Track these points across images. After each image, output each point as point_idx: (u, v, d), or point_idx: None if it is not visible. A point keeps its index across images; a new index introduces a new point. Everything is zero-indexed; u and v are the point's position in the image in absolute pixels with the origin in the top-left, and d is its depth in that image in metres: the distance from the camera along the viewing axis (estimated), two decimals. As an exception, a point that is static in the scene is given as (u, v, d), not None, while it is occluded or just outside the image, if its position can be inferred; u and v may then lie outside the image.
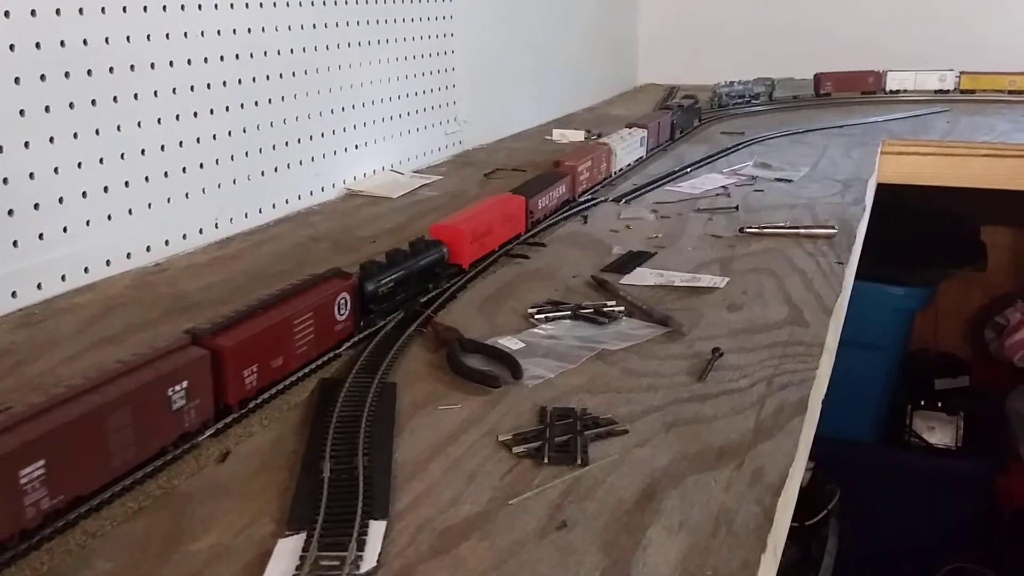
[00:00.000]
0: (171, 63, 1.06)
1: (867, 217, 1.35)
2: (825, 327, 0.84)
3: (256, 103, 1.20)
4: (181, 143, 1.08)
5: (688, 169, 1.55)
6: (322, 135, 1.35)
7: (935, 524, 2.32)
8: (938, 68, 2.37)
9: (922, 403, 2.40)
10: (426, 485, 0.57)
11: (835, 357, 2.27)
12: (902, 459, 2.37)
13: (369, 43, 1.45)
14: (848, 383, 2.38)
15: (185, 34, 1.08)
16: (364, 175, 1.45)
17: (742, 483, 0.57)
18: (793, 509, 0.64)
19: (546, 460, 0.60)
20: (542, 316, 0.86)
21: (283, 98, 1.25)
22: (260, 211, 1.22)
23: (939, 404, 2.37)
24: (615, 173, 1.48)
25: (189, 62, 1.09)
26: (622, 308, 0.87)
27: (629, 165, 1.56)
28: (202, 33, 1.11)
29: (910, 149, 1.82)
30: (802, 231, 1.14)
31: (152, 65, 1.04)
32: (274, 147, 1.24)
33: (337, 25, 1.36)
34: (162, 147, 1.06)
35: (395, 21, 1.50)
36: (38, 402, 0.50)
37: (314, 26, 1.31)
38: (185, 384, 0.57)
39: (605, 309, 0.87)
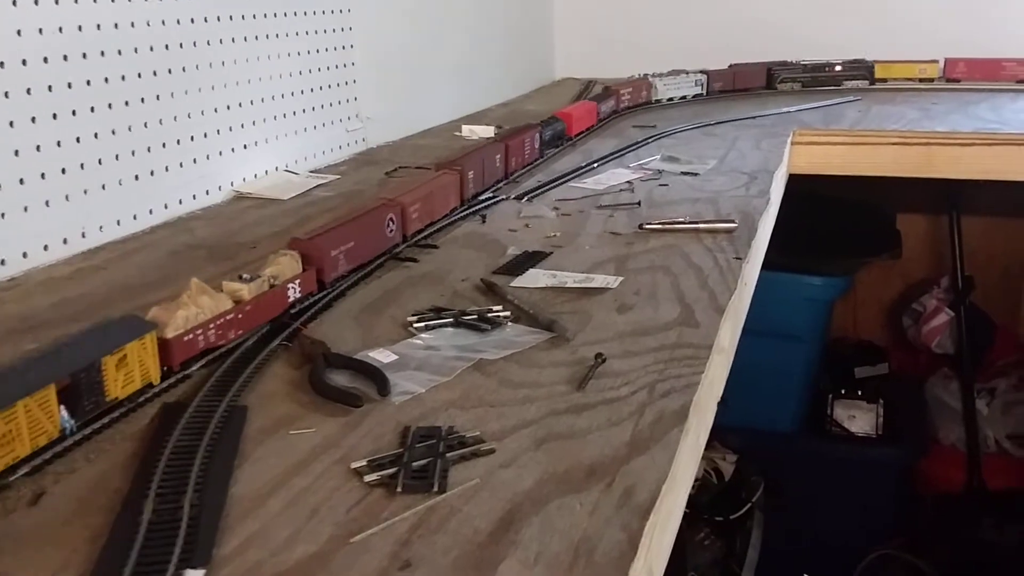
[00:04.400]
0: (24, 61, 0.98)
1: (772, 209, 1.33)
2: (716, 327, 0.80)
3: (126, 103, 1.12)
4: (39, 147, 1.00)
5: (595, 164, 1.51)
6: (205, 135, 1.27)
7: (859, 512, 2.33)
8: (852, 57, 2.38)
9: (843, 392, 2.41)
10: (261, 523, 0.51)
11: (754, 349, 2.27)
12: (824, 448, 2.37)
13: (256, 38, 1.37)
14: (769, 374, 2.40)
15: (40, 30, 1.00)
16: (255, 176, 1.38)
17: (610, 505, 0.53)
18: (676, 527, 0.60)
19: (399, 488, 0.54)
20: (422, 325, 0.80)
21: (158, 97, 1.17)
22: (135, 217, 1.14)
23: (859, 392, 2.39)
24: (519, 170, 1.43)
25: (46, 60, 1.01)
26: (508, 313, 0.83)
27: (536, 160, 1.52)
28: (60, 29, 1.03)
29: (821, 139, 1.81)
30: (702, 226, 1.11)
31: (1, 64, 0.96)
32: (149, 149, 1.16)
33: (218, 20, 1.28)
34: (16, 152, 0.98)
35: (283, 15, 1.43)
36: None
37: (192, 20, 1.23)
38: None
39: (490, 315, 0.82)
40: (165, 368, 0.67)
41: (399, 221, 1.03)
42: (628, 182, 1.39)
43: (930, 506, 2.45)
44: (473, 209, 1.22)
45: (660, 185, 1.37)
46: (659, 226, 1.12)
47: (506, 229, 1.14)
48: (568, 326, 0.79)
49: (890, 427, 2.38)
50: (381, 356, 0.73)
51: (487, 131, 1.84)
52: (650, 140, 1.73)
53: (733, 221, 1.12)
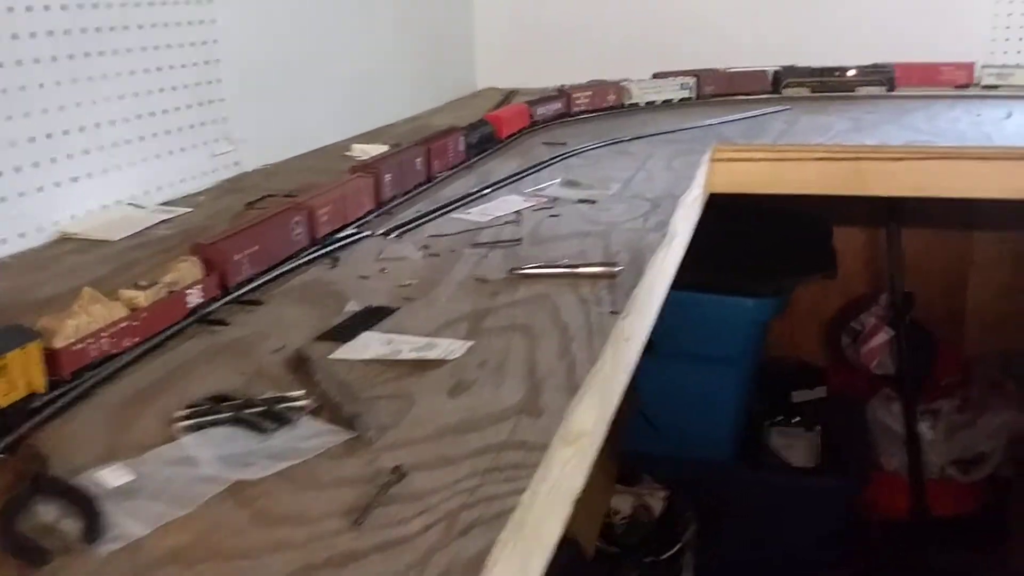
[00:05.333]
0: None
1: (676, 241, 1.18)
2: (563, 414, 0.65)
3: None
4: None
5: (487, 190, 1.35)
6: (17, 169, 1.09)
7: (800, 543, 2.20)
8: (781, 64, 2.25)
9: (779, 418, 2.28)
10: None
11: (684, 374, 2.08)
12: (761, 479, 2.24)
13: (88, 55, 1.20)
14: (700, 400, 2.25)
15: None
16: (89, 212, 1.21)
17: None
18: None
19: None
20: (191, 423, 0.64)
21: (-55, 127, 0.99)
22: (-85, 271, 0.97)
23: (796, 419, 2.26)
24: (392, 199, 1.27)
25: None
26: (306, 402, 0.66)
27: (419, 187, 1.36)
28: None
29: (742, 155, 1.67)
30: (582, 270, 0.96)
31: None
32: (-67, 189, 0.98)
33: (33, 37, 1.11)
34: None
35: (124, 28, 1.26)
36: None
37: (-8, 36, 1.05)
38: None
39: (282, 406, 0.66)
40: (54, 377, 0.68)
41: (307, 224, 1.03)
42: (517, 212, 1.23)
43: (875, 535, 2.33)
44: (327, 249, 1.05)
45: (551, 216, 1.21)
46: (533, 271, 0.96)
47: (356, 276, 0.98)
48: (378, 419, 0.63)
49: (830, 454, 2.26)
50: (112, 476, 0.56)
51: (380, 150, 1.67)
52: (556, 160, 1.57)
53: (616, 264, 0.96)
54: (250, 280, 0.92)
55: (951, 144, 1.59)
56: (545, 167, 1.53)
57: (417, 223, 1.18)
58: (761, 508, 2.17)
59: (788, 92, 2.21)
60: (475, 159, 1.58)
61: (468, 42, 2.67)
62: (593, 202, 1.28)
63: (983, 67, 2.19)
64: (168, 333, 0.80)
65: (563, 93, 2.03)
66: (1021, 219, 2.18)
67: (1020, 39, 2.29)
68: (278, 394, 0.68)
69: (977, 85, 2.18)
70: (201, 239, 0.90)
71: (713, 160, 1.66)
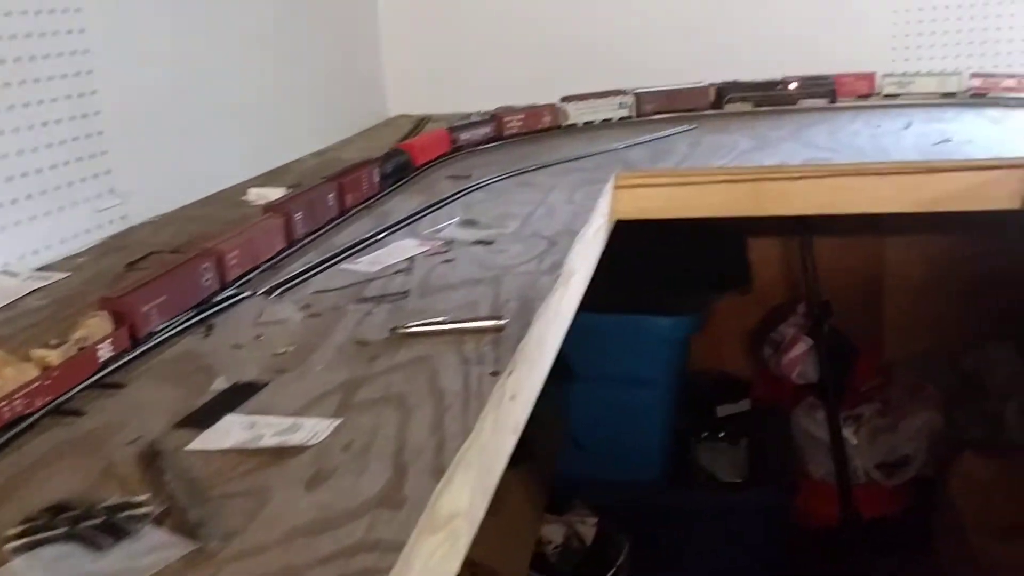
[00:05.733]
0: None
1: (572, 281, 1.16)
2: (424, 504, 0.61)
3: None
4: None
5: (382, 234, 1.32)
6: None
7: (735, 558, 2.21)
8: (691, 83, 2.25)
9: (705, 434, 2.28)
10: None
11: (609, 397, 2.05)
12: (691, 497, 2.24)
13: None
14: (627, 422, 2.25)
15: None
16: (-46, 285, 1.14)
17: None
18: None
19: None
20: (24, 542, 0.59)
21: None
22: None
23: (722, 434, 2.26)
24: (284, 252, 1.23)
25: None
26: (151, 508, 0.62)
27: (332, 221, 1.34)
28: None
29: (645, 181, 1.67)
30: (467, 325, 0.93)
31: None
32: None
33: None
34: None
35: (-15, 86, 1.20)
36: None
37: None
38: None
39: (124, 515, 0.61)
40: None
41: (216, 269, 1.04)
42: (409, 259, 1.20)
43: (807, 543, 2.34)
44: (202, 315, 1.01)
45: (445, 262, 1.18)
46: (416, 329, 0.93)
47: (231, 345, 0.94)
48: (226, 524, 0.60)
49: (757, 467, 2.27)
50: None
51: (278, 194, 1.62)
52: (458, 196, 1.55)
53: (501, 317, 0.94)
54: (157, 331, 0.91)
55: (849, 161, 1.60)
56: (447, 203, 1.50)
57: (303, 278, 1.14)
58: (692, 526, 2.17)
59: (731, 107, 2.20)
60: (391, 188, 1.58)
61: (376, 68, 2.63)
62: (490, 243, 1.25)
63: (883, 76, 2.22)
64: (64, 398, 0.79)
65: (494, 117, 2.01)
66: (929, 222, 2.22)
67: (919, 47, 2.34)
68: (123, 499, 0.63)
69: (878, 95, 2.21)
70: (108, 293, 0.92)
71: (617, 187, 1.65)
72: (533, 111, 2.08)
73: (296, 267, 1.18)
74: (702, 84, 2.21)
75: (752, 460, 2.26)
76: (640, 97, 2.17)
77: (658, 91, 2.19)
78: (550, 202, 1.48)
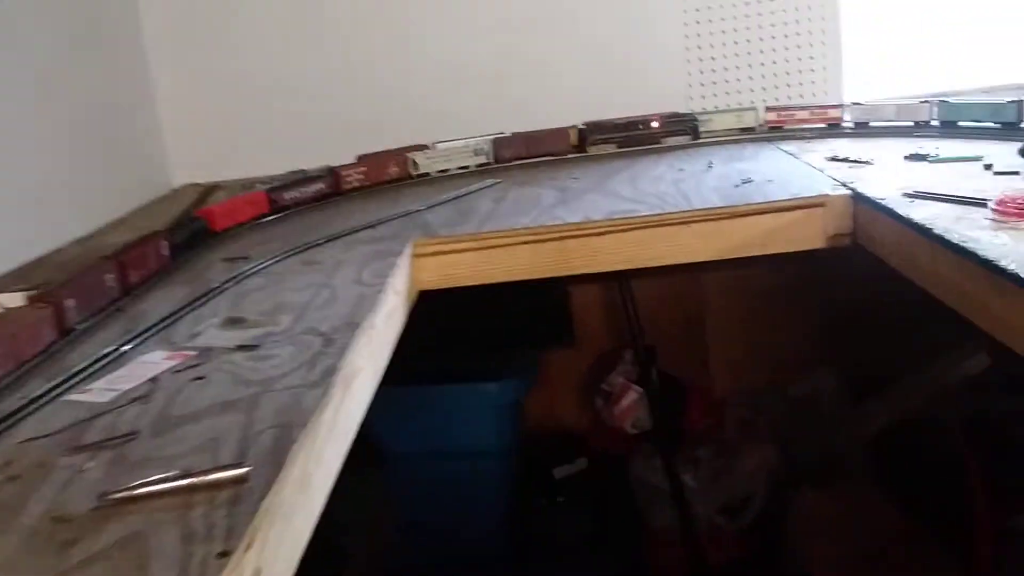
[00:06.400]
0: None
1: (345, 392, 1.00)
2: None
3: None
4: None
5: (125, 347, 1.12)
6: None
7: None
8: (487, 134, 2.15)
9: (544, 500, 2.16)
10: None
11: (443, 472, 1.84)
12: (537, 570, 2.11)
13: None
14: (463, 498, 2.10)
15: None
16: None
17: None
18: None
19: None
20: None
21: None
22: None
23: (561, 498, 2.15)
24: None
25: None
26: None
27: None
28: None
29: (445, 247, 1.53)
30: (198, 480, 0.75)
31: None
32: None
33: None
34: None
35: None
36: None
37: None
38: None
39: None
40: None
41: None
42: (153, 380, 1.00)
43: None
44: None
45: (195, 379, 1.00)
46: (132, 492, 0.74)
47: None
48: None
49: (600, 527, 2.17)
50: None
51: (14, 299, 1.38)
52: (228, 285, 1.36)
53: (243, 464, 0.76)
54: None
55: (652, 212, 1.52)
56: (215, 295, 1.31)
57: (17, 416, 0.93)
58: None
59: (594, 150, 2.13)
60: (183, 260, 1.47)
61: (153, 134, 2.39)
62: (254, 347, 1.08)
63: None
64: None
65: (331, 171, 1.91)
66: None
67: (714, 83, 2.33)
68: None
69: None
70: None
71: (416, 256, 1.51)
72: (377, 162, 1.95)
73: (10, 403, 0.97)
74: (564, 126, 2.15)
75: (595, 521, 2.15)
76: (498, 143, 2.09)
77: (517, 136, 2.11)
78: (335, 284, 1.32)
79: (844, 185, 1.52)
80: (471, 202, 1.79)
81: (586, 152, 2.13)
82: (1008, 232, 1.14)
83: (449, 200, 1.82)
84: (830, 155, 1.77)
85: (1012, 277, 0.99)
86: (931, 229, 1.19)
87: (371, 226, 1.65)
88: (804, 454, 2.21)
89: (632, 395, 2.25)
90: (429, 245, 1.53)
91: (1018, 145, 1.68)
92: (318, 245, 1.56)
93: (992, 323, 1.07)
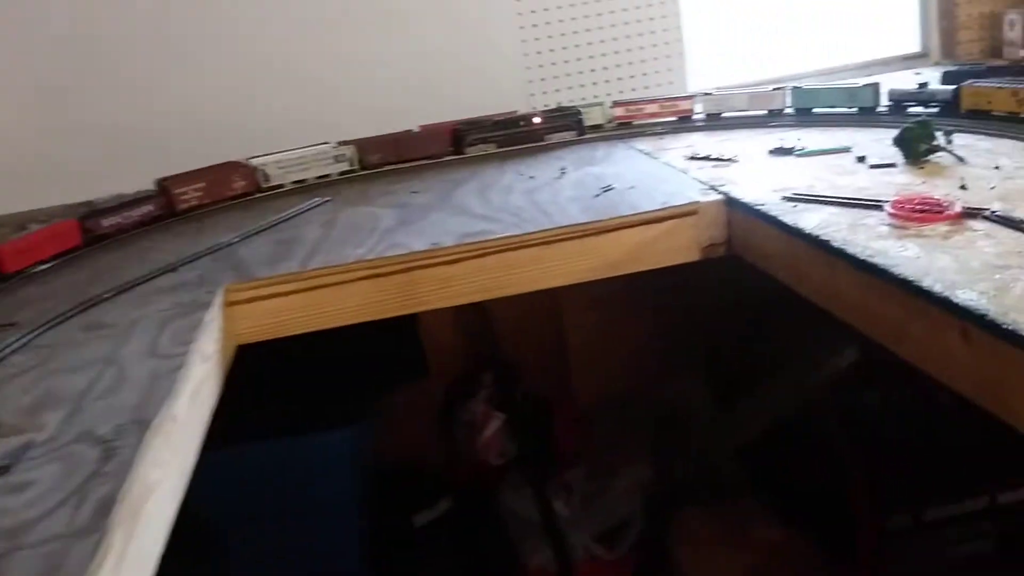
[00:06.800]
0: None
1: (118, 551, 0.74)
2: None
3: None
4: None
5: None
6: None
7: None
8: (321, 142, 1.89)
9: (407, 550, 1.93)
10: None
11: (296, 531, 1.62)
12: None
13: None
14: (319, 556, 1.84)
15: None
16: None
17: None
18: None
19: None
20: None
21: None
22: None
23: (425, 547, 1.93)
24: None
25: None
26: None
27: None
28: None
29: (264, 291, 1.28)
30: None
31: None
32: None
33: None
34: None
35: None
36: None
37: None
38: None
39: None
40: None
41: None
42: None
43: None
44: None
45: (-90, 534, 0.71)
46: None
47: None
48: None
49: (470, 574, 1.96)
50: None
51: None
52: (-19, 369, 1.05)
53: None
54: None
55: (509, 233, 1.32)
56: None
57: None
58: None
59: (473, 151, 1.91)
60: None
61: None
62: (4, 470, 0.80)
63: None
64: None
65: (163, 189, 1.66)
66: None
67: (556, 77, 2.16)
68: None
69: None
70: None
71: (229, 305, 1.25)
72: (218, 176, 1.68)
73: None
74: (438, 125, 1.93)
75: (465, 567, 1.95)
76: (362, 147, 1.86)
77: (384, 138, 1.89)
78: (123, 359, 1.04)
79: (714, 189, 1.37)
80: (294, 229, 1.54)
81: (464, 154, 1.93)
82: (914, 240, 1.00)
83: (267, 227, 1.56)
84: (689, 153, 1.63)
85: (941, 301, 0.85)
86: (829, 242, 1.05)
87: (172, 269, 1.37)
88: (679, 468, 2.09)
89: (496, 423, 2.06)
90: (244, 290, 1.27)
91: (880, 132, 1.59)
92: (106, 300, 1.27)
93: (911, 347, 0.93)
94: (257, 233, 1.53)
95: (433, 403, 2.19)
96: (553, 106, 2.01)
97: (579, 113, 1.93)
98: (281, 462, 1.72)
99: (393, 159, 1.89)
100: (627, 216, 1.32)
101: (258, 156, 1.82)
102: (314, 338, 1.65)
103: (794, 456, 1.98)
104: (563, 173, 1.65)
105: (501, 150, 1.92)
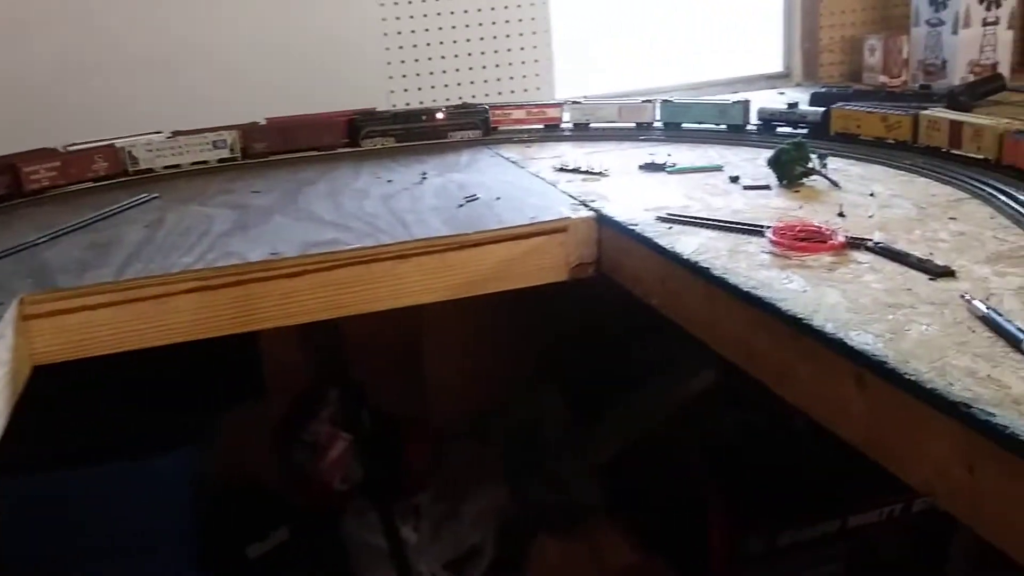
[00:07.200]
0: None
1: None
2: None
3: None
4: None
5: None
6: None
7: None
8: (144, 132, 1.69)
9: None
10: None
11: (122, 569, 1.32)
12: None
13: None
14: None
15: None
16: None
17: None
18: None
19: None
20: None
21: None
22: None
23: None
24: None
25: None
26: None
27: None
28: None
29: (69, 304, 1.09)
30: None
31: None
32: None
33: None
34: None
35: None
36: None
37: None
38: None
39: None
40: None
41: None
42: None
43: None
44: None
45: None
46: None
47: None
48: None
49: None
50: None
51: None
52: None
53: None
54: None
55: (361, 244, 1.18)
56: None
57: None
58: None
59: (369, 144, 1.76)
60: None
61: None
62: None
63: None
64: None
65: (11, 166, 1.47)
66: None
67: (418, 74, 2.03)
68: None
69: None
70: None
71: (26, 318, 1.06)
72: (79, 155, 1.52)
73: None
74: (332, 113, 1.77)
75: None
76: (247, 133, 1.69)
77: (272, 124, 1.72)
78: None
79: (584, 204, 1.29)
80: (114, 229, 1.34)
81: (359, 146, 1.77)
82: (798, 272, 0.94)
83: (83, 225, 1.36)
84: (558, 164, 1.54)
85: (834, 343, 0.78)
86: (709, 269, 0.97)
87: (-39, 272, 1.16)
88: (535, 491, 2.00)
89: (341, 444, 1.90)
90: (45, 302, 1.08)
91: (750, 151, 1.55)
92: None
93: (797, 389, 0.86)
94: (69, 232, 1.33)
95: (272, 424, 2.01)
96: (457, 102, 1.89)
97: (485, 112, 1.82)
98: (98, 492, 1.51)
99: (280, 148, 1.73)
100: (493, 230, 1.21)
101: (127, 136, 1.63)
102: (140, 352, 1.46)
103: (652, 477, 1.93)
104: (424, 178, 1.52)
105: (400, 144, 1.79)
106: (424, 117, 1.80)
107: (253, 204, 1.43)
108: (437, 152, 1.74)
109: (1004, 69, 1.99)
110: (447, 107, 1.83)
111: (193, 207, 1.44)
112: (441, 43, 2.02)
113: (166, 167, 1.67)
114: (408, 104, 2.00)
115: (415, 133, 1.80)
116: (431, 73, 2.03)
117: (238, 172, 1.67)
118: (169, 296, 1.12)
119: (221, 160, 1.70)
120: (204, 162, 1.69)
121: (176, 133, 1.68)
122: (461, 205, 1.33)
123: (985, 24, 1.97)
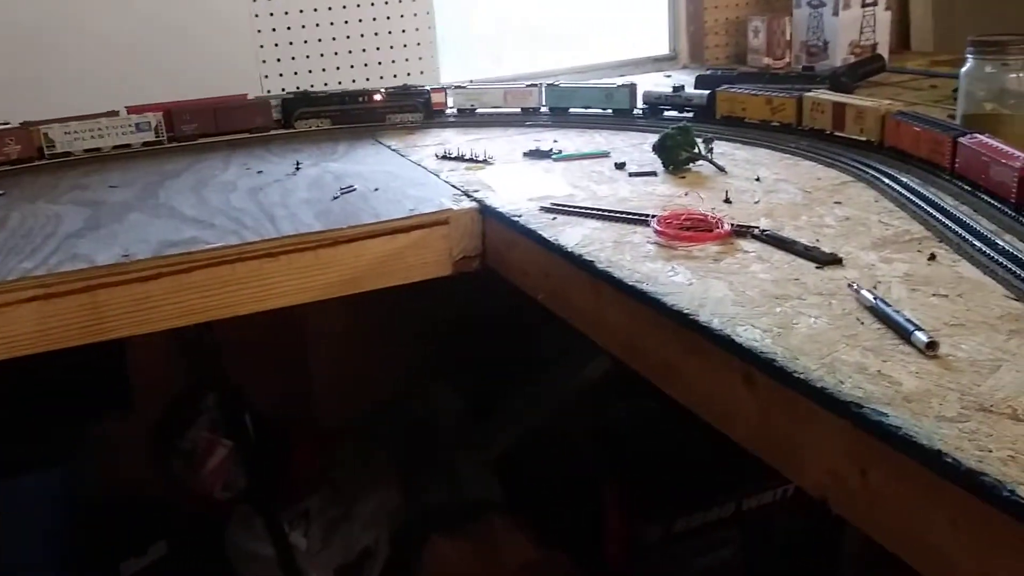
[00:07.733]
0: None
1: None
2: None
3: None
4: None
5: None
6: None
7: None
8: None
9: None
10: None
11: None
12: None
13: None
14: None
15: None
16: None
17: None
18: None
19: None
20: None
21: None
22: None
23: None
24: None
25: None
26: None
27: None
28: None
29: None
30: None
31: None
32: None
33: None
34: None
35: None
36: None
37: None
38: None
39: None
40: None
41: None
42: None
43: None
44: None
45: None
46: None
47: None
48: None
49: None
50: None
51: None
52: None
53: None
54: None
55: (224, 242, 1.09)
56: None
57: None
58: None
59: (303, 125, 1.67)
60: None
61: None
62: None
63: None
64: None
65: None
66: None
67: (293, 58, 1.93)
68: None
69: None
70: None
71: None
72: None
73: None
74: (262, 95, 1.71)
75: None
76: (175, 114, 1.58)
77: (201, 104, 1.61)
78: None
79: (467, 195, 1.22)
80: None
81: (293, 128, 1.68)
82: (684, 263, 0.90)
83: (-88, 228, 1.22)
84: (441, 152, 1.47)
85: (720, 339, 0.74)
86: (593, 263, 0.93)
87: None
88: (430, 488, 1.94)
89: (221, 451, 1.80)
90: None
91: (636, 136, 1.52)
92: None
93: (684, 387, 0.82)
94: None
95: (147, 432, 1.88)
96: (399, 84, 1.79)
97: (427, 94, 1.73)
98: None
99: (211, 130, 1.63)
100: (369, 224, 1.14)
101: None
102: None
103: (548, 470, 1.90)
104: (298, 168, 1.43)
105: (336, 127, 1.70)
106: (361, 99, 1.72)
107: (108, 200, 1.32)
108: (385, 131, 1.68)
109: (883, 50, 2.02)
110: (387, 89, 1.74)
111: (38, 205, 1.32)
112: (317, 25, 1.91)
113: (86, 151, 1.55)
114: (284, 89, 1.89)
115: (351, 115, 1.71)
116: (307, 57, 1.92)
117: (168, 156, 1.58)
118: (8, 306, 1.01)
119: (146, 144, 1.59)
120: (127, 145, 1.57)
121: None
122: (336, 197, 1.25)
123: (864, 5, 1.99)
